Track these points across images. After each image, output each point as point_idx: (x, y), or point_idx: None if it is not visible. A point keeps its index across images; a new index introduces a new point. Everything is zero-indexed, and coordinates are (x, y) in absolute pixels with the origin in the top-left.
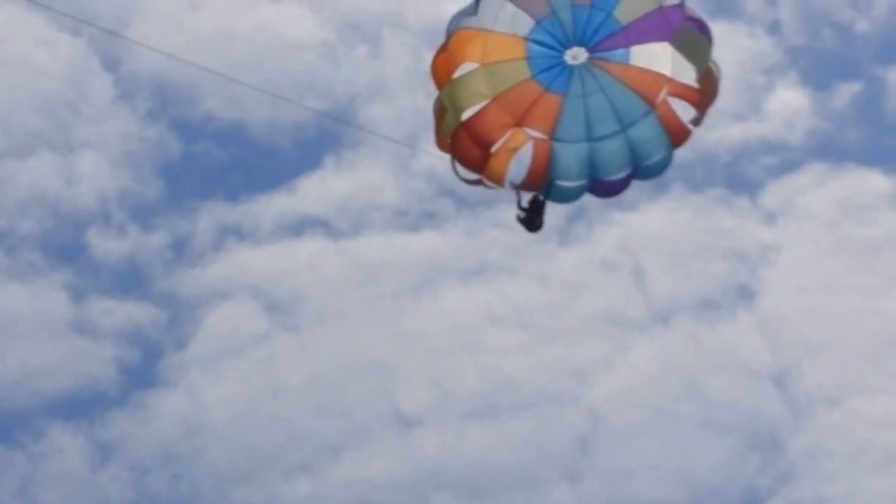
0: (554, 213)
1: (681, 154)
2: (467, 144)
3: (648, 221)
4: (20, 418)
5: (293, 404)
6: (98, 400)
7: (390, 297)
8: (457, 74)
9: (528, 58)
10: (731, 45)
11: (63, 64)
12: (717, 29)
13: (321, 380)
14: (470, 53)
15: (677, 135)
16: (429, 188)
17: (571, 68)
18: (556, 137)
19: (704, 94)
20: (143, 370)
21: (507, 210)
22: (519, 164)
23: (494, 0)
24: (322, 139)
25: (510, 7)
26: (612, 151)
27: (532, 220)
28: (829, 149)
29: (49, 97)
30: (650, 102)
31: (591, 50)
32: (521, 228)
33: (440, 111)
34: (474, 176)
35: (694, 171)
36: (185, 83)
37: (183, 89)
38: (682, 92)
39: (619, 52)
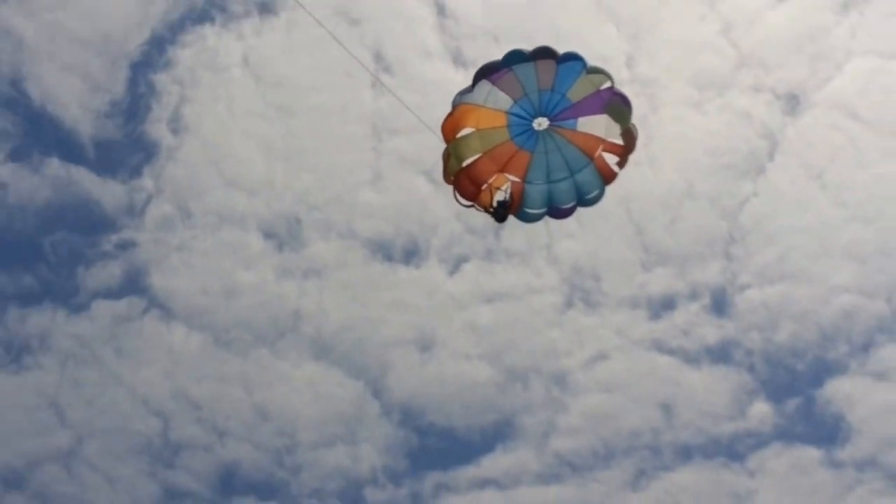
0: None
1: None
2: (466, 183)
3: None
4: None
5: None
6: None
7: None
8: (459, 135)
9: (508, 125)
10: None
11: None
12: None
13: None
14: (468, 122)
15: (608, 177)
16: None
17: (538, 133)
18: (527, 181)
19: (627, 146)
20: None
21: None
22: (501, 197)
23: (485, 85)
24: None
25: (496, 91)
26: (565, 190)
27: (499, 213)
28: None
29: None
30: (590, 157)
31: (551, 119)
32: None
33: (447, 158)
34: (468, 203)
35: None
36: None
37: None
38: (611, 148)
39: (570, 121)
